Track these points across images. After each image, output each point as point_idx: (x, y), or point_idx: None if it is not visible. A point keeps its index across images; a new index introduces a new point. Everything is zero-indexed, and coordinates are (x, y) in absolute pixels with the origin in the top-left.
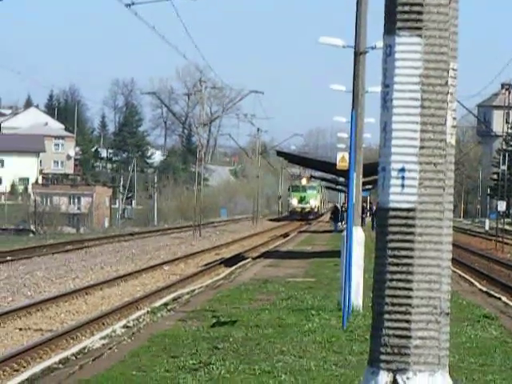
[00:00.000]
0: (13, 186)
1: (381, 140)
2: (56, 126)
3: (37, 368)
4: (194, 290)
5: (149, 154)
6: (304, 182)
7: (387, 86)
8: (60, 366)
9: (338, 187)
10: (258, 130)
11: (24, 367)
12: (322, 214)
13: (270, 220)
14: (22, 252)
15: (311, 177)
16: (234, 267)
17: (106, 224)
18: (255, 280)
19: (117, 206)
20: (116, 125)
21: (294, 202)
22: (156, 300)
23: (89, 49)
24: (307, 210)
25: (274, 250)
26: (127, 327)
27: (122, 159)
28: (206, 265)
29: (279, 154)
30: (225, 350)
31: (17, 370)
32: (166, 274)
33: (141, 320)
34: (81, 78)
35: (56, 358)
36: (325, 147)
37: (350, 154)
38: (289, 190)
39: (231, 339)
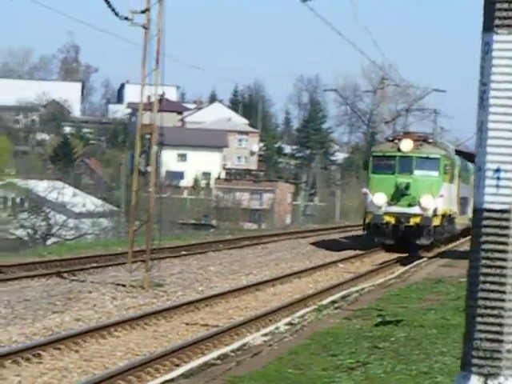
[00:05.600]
0: (195, 180)
1: (477, 140)
2: (240, 122)
3: (195, 363)
4: (363, 289)
5: (332, 151)
6: (407, 146)
7: (484, 85)
8: (218, 361)
9: None
10: (442, 128)
11: (185, 362)
12: (459, 236)
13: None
14: (198, 247)
15: (426, 139)
16: (408, 266)
17: (288, 220)
18: (428, 279)
19: (299, 202)
20: (300, 121)
21: (379, 200)
22: (325, 297)
23: (273, 46)
24: (413, 221)
25: (451, 250)
26: (291, 324)
27: (305, 156)
28: (381, 263)
29: (458, 153)
30: (385, 350)
31: (177, 365)
32: (340, 272)
33: (306, 317)
34: (265, 74)
35: (215, 354)
36: None
37: None
38: (364, 167)
39: (393, 339)
